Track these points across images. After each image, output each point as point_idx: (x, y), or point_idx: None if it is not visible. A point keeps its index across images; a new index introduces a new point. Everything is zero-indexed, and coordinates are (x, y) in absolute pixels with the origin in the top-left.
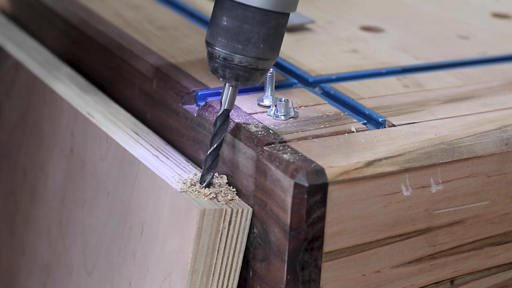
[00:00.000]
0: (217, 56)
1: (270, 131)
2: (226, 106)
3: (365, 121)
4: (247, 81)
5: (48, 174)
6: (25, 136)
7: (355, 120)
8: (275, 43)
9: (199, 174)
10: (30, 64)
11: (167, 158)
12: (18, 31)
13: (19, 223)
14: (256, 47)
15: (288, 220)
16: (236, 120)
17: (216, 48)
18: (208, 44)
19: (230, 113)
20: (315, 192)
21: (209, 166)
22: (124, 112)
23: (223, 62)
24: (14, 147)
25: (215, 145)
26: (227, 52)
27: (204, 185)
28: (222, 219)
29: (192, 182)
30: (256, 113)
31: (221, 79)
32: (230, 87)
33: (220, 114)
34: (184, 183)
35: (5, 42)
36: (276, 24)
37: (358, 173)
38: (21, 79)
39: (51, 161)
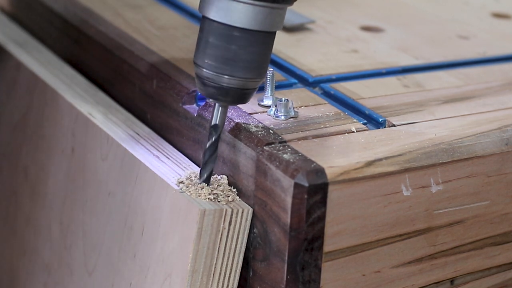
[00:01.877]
0: (205, 78)
1: (270, 131)
2: (217, 127)
3: (365, 121)
4: (237, 101)
5: (49, 174)
6: (27, 136)
7: (355, 120)
8: (263, 62)
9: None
10: (32, 64)
11: (168, 158)
12: (20, 31)
13: (20, 223)
14: (244, 67)
15: (288, 220)
16: (236, 120)
17: (204, 70)
18: (195, 65)
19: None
20: (315, 192)
21: (207, 161)
22: (125, 112)
23: (212, 83)
24: (15, 147)
25: (206, 160)
26: (215, 74)
27: (202, 170)
28: (222, 219)
29: (191, 182)
30: (256, 113)
31: (210, 100)
32: (220, 108)
33: (210, 134)
34: (182, 183)
35: (7, 42)
36: (263, 44)
37: (358, 173)
38: (23, 79)
39: (52, 161)
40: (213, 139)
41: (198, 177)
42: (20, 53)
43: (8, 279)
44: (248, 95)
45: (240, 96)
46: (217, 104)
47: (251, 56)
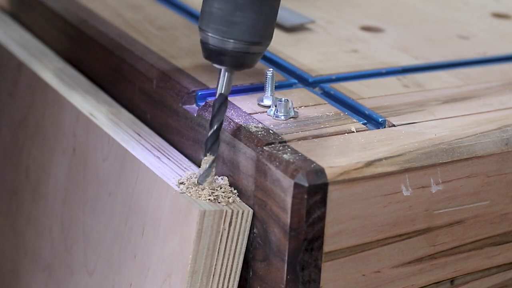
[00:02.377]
0: (211, 42)
1: (270, 131)
2: (222, 91)
3: (365, 121)
4: (242, 65)
5: (50, 174)
6: (28, 136)
7: (355, 120)
8: (268, 26)
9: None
10: (33, 65)
11: (168, 159)
12: (22, 31)
13: (21, 223)
14: (248, 30)
15: (288, 220)
16: (236, 120)
17: (209, 34)
18: (201, 30)
19: (228, 99)
20: (315, 192)
21: (209, 148)
22: (126, 113)
23: (217, 48)
24: (17, 147)
25: (215, 127)
26: (220, 38)
27: (203, 171)
28: (223, 220)
29: (190, 182)
30: (256, 113)
31: (215, 65)
32: (226, 73)
33: (217, 98)
34: (183, 184)
35: (9, 42)
36: (268, 5)
37: (358, 173)
38: (24, 79)
39: (53, 161)
40: (219, 106)
41: (198, 178)
42: (22, 53)
43: (9, 279)
44: (254, 60)
45: (246, 60)
46: (222, 69)
47: (256, 19)
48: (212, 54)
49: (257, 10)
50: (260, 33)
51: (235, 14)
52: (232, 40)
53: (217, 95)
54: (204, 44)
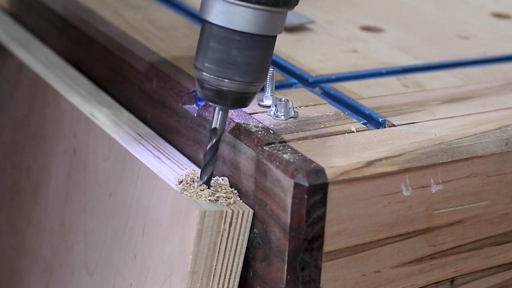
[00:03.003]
0: (206, 82)
1: (270, 131)
2: (217, 130)
3: (365, 121)
4: (237, 104)
5: (51, 174)
6: (29, 137)
7: (355, 120)
8: (263, 66)
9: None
10: (34, 65)
11: (169, 159)
12: (23, 31)
13: (22, 223)
14: (244, 71)
15: (288, 220)
16: (236, 120)
17: (205, 74)
18: (196, 69)
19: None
20: (315, 192)
21: (207, 164)
22: (126, 113)
23: (212, 87)
24: (17, 148)
25: (206, 162)
26: (216, 78)
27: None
28: (223, 220)
29: (191, 182)
30: (256, 113)
31: (211, 104)
32: (221, 111)
33: (210, 137)
34: (181, 182)
35: (9, 43)
36: (264, 48)
37: (358, 173)
38: (25, 80)
39: (54, 161)
40: (213, 142)
41: (198, 178)
42: (23, 53)
43: (9, 279)
44: (249, 99)
45: (240, 100)
46: (217, 107)
47: (251, 60)
48: (207, 93)
49: (253, 50)
50: (255, 72)
51: (230, 53)
52: (227, 80)
53: (210, 134)
54: (199, 82)
